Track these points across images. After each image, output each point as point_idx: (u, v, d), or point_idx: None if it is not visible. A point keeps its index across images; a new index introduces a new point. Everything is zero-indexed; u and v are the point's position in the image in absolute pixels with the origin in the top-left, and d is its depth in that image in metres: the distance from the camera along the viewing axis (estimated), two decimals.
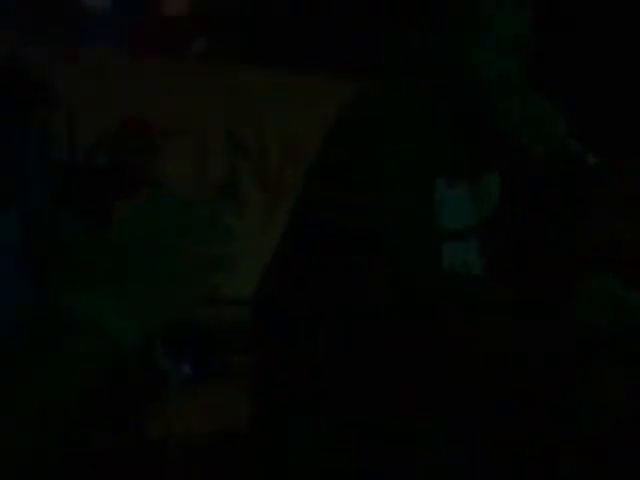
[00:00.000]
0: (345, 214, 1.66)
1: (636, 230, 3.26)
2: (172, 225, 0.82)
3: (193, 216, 0.83)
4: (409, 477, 1.76)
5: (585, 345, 1.66)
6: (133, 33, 4.85)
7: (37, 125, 3.55)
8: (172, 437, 3.09)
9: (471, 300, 1.67)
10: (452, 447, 1.76)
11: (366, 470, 1.78)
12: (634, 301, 1.63)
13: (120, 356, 0.81)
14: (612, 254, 3.24)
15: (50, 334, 0.77)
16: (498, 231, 1.81)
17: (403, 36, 1.79)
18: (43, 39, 4.44)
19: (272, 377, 1.85)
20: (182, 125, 4.69)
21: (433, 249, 1.67)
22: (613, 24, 4.77)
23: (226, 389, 3.25)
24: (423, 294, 1.64)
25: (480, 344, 1.68)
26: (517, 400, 1.77)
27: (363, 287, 1.68)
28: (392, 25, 2.03)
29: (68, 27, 4.71)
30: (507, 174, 1.83)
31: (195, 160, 4.77)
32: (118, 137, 3.54)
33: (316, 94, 4.77)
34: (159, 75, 4.79)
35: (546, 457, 1.84)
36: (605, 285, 1.65)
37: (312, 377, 1.79)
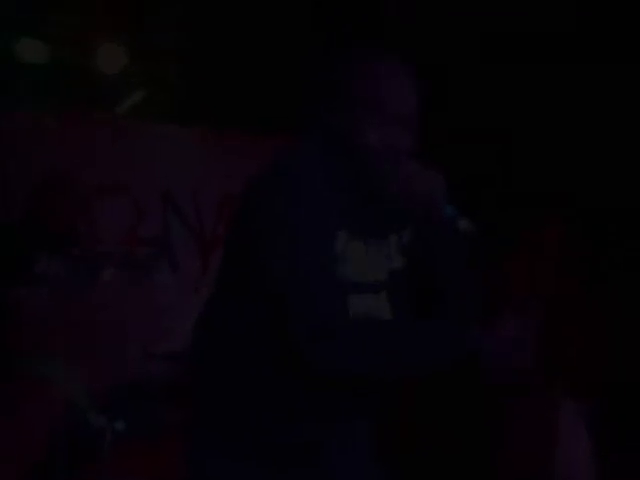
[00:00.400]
0: (256, 269, 1.79)
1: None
2: None
3: None
4: None
5: None
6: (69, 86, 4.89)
7: None
8: None
9: None
10: None
11: None
12: None
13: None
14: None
15: None
16: (404, 284, 1.94)
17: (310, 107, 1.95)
18: None
19: (207, 431, 1.91)
20: (118, 182, 4.72)
21: (337, 299, 1.77)
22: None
23: (161, 445, 3.24)
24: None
25: None
26: None
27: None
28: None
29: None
30: (415, 233, 1.96)
31: (130, 216, 4.78)
32: (39, 192, 3.56)
33: (248, 150, 4.85)
34: (95, 131, 4.82)
35: None
36: None
37: (242, 428, 1.86)
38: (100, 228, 4.53)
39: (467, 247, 1.88)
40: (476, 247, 1.88)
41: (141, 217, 4.80)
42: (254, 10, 4.89)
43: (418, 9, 4.71)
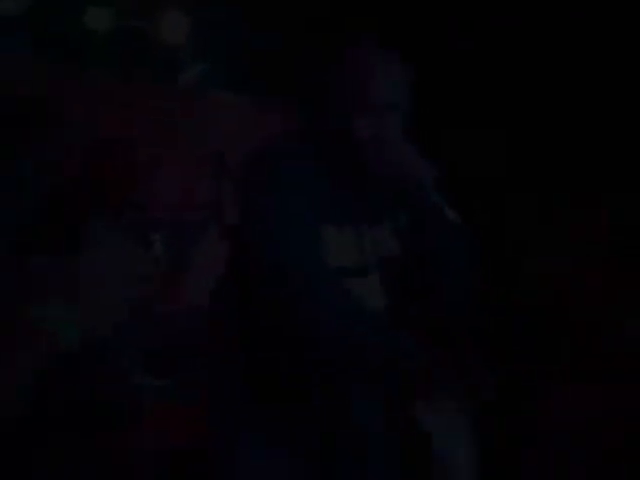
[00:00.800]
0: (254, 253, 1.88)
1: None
2: None
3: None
4: None
5: None
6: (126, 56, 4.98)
7: (34, 142, 3.66)
8: (146, 452, 3.12)
9: None
10: None
11: None
12: None
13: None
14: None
15: None
16: (398, 268, 1.98)
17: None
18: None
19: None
20: (176, 149, 4.82)
21: (321, 281, 1.84)
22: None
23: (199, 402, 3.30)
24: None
25: None
26: None
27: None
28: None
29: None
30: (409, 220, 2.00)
31: (184, 182, 4.88)
32: (97, 158, 3.63)
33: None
34: (156, 99, 4.91)
35: None
36: None
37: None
38: (157, 195, 4.63)
39: (456, 234, 1.92)
40: (464, 237, 1.91)
41: (196, 184, 4.90)
42: None
43: None
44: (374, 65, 1.92)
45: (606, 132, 4.13)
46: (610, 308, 3.42)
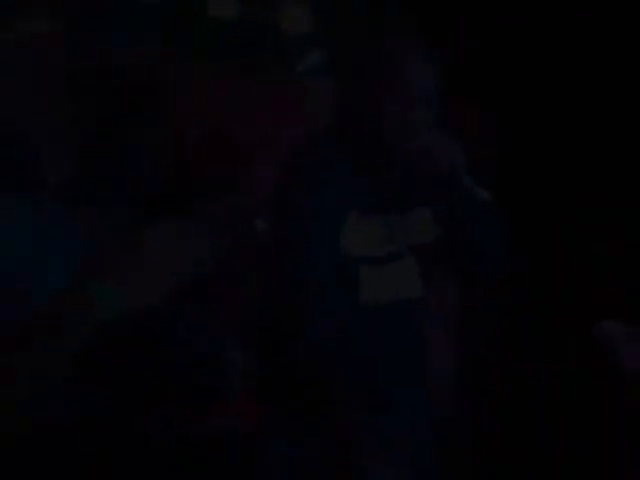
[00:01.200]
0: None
1: None
2: None
3: None
4: None
5: None
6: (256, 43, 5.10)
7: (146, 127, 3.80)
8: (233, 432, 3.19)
9: None
10: None
11: None
12: None
13: None
14: None
15: None
16: (431, 255, 2.00)
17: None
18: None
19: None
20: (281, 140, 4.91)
21: (341, 270, 1.84)
22: None
23: None
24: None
25: None
26: None
27: None
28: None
29: None
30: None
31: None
32: (203, 146, 3.74)
33: None
34: (272, 88, 5.02)
35: None
36: None
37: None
38: (257, 183, 4.74)
39: (489, 218, 1.92)
40: (497, 221, 1.91)
41: None
42: None
43: None
44: (410, 53, 1.96)
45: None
46: None
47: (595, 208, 3.97)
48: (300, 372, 1.93)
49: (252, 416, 3.08)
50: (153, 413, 2.93)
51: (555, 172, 4.41)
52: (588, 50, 4.31)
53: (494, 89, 4.64)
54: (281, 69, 5.24)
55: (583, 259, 3.82)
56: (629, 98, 4.18)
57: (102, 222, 2.63)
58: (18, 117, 2.69)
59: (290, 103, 4.98)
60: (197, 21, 5.15)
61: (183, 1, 5.15)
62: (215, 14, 5.16)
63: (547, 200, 4.20)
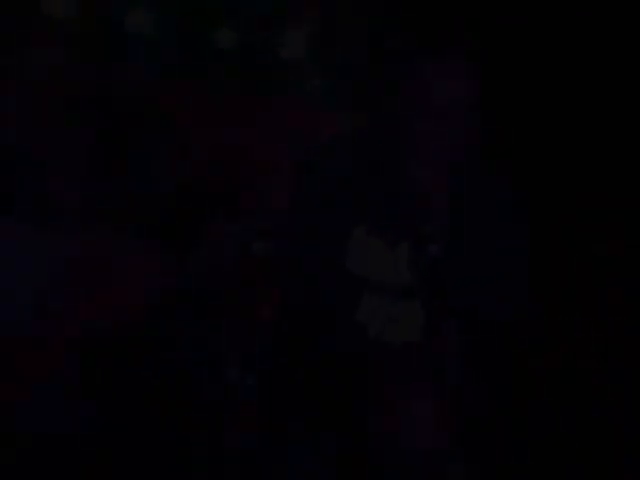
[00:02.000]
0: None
1: None
2: None
3: None
4: None
5: None
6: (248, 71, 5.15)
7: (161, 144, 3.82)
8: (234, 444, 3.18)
9: None
10: None
11: None
12: None
13: None
14: None
15: None
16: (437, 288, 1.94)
17: None
18: None
19: None
20: (284, 161, 4.94)
21: (342, 293, 1.91)
22: None
23: None
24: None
25: None
26: None
27: None
28: None
29: None
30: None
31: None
32: (213, 167, 3.75)
33: None
34: (272, 113, 5.06)
35: None
36: None
37: None
38: (268, 202, 4.76)
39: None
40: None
41: None
42: None
43: None
44: (442, 75, 1.95)
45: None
46: None
47: (595, 208, 3.96)
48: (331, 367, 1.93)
49: (253, 428, 3.09)
50: (155, 427, 2.95)
51: (555, 172, 4.42)
52: (588, 50, 4.32)
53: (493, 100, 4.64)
54: (281, 93, 5.28)
55: (583, 259, 3.81)
56: (629, 98, 4.18)
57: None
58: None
59: (290, 124, 5.02)
60: (199, 53, 5.20)
61: (183, 34, 5.20)
62: (220, 46, 5.21)
63: (547, 200, 4.18)
